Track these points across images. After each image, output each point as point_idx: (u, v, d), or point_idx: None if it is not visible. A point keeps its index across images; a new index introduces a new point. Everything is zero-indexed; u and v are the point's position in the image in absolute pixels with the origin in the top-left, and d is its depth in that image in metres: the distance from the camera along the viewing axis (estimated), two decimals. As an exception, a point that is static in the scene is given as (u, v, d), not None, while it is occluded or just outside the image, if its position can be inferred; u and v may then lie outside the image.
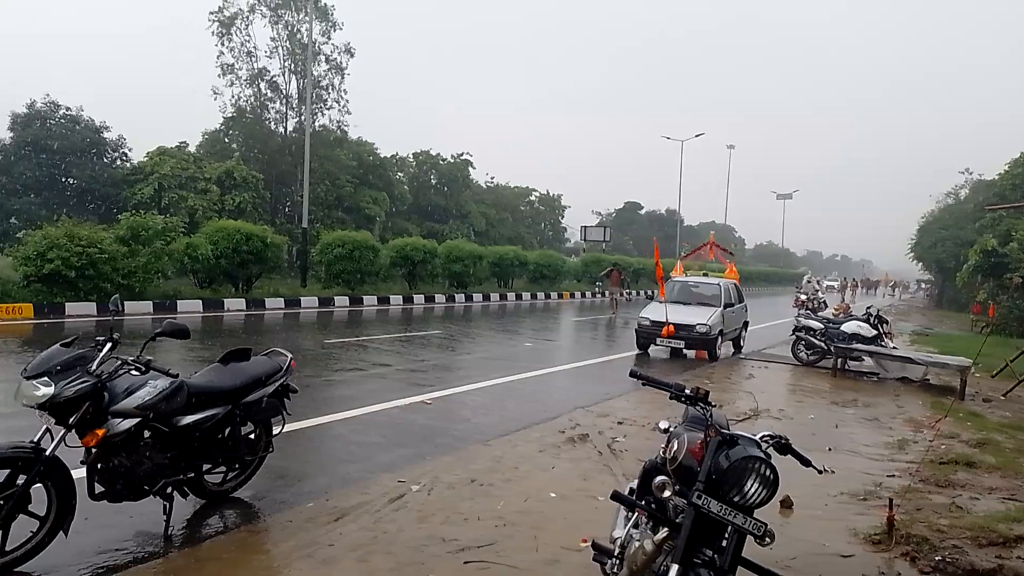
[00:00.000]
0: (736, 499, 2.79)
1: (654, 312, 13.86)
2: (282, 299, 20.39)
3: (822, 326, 13.67)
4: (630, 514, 3.48)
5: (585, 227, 48.30)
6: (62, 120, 34.27)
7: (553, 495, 5.25)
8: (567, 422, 7.57)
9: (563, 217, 69.55)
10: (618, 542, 3.37)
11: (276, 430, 5.04)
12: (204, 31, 37.32)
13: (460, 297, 27.37)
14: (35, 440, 3.76)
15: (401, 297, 24.60)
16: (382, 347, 13.06)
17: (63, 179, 34.07)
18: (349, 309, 21.34)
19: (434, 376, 10.37)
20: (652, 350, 14.12)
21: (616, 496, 3.16)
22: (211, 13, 36.25)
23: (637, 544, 3.04)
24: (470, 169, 53.00)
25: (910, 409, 9.58)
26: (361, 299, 22.84)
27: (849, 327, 13.37)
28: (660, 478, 3.03)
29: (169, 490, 4.22)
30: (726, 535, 2.91)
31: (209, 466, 4.62)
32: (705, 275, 18.28)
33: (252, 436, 4.90)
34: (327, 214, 37.67)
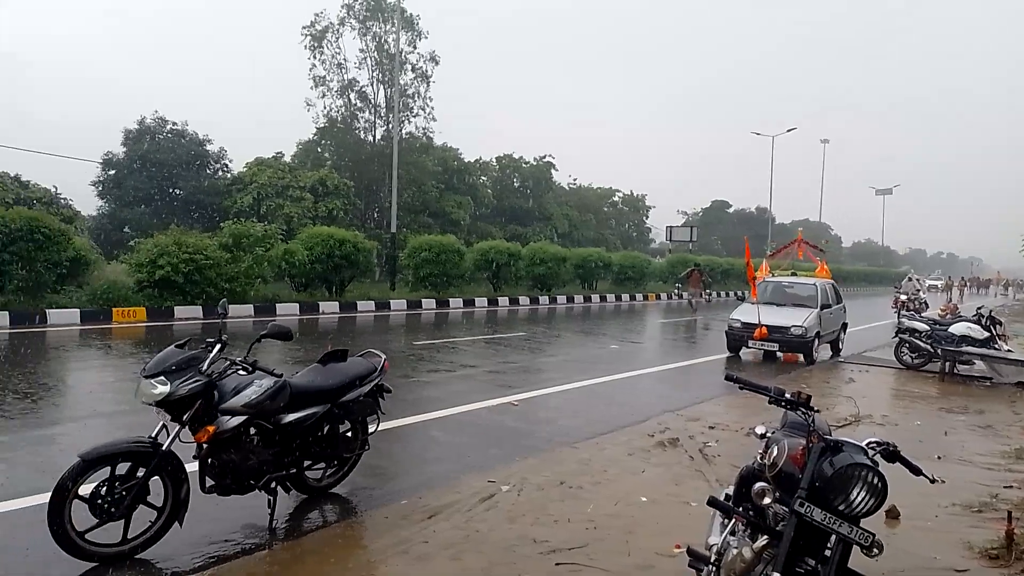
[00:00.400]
0: (841, 507, 2.69)
1: (745, 314, 13.46)
2: (372, 302, 21.00)
3: (928, 328, 12.89)
4: (726, 520, 3.39)
5: (670, 227, 47.40)
6: (169, 135, 36.57)
7: (644, 499, 5.18)
8: (656, 426, 7.46)
9: (647, 218, 68.65)
10: (714, 549, 3.29)
11: (372, 428, 5.20)
12: (297, 45, 38.91)
13: (544, 299, 27.42)
14: (153, 436, 4.03)
15: (486, 299, 24.88)
16: (468, 349, 13.24)
17: (170, 190, 36.32)
18: (436, 311, 21.76)
19: (519, 378, 10.43)
20: (743, 353, 13.72)
21: (713, 502, 3.09)
22: (303, 28, 37.83)
23: (735, 551, 2.96)
24: (552, 171, 53.10)
25: (1030, 417, 8.91)
26: (447, 301, 23.24)
27: (958, 328, 12.56)
28: (760, 484, 2.94)
29: (273, 485, 4.42)
30: (829, 545, 2.81)
31: (310, 462, 4.81)
32: (793, 275, 17.60)
33: (349, 434, 5.07)
34: (413, 219, 38.57)
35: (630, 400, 9.30)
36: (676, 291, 31.58)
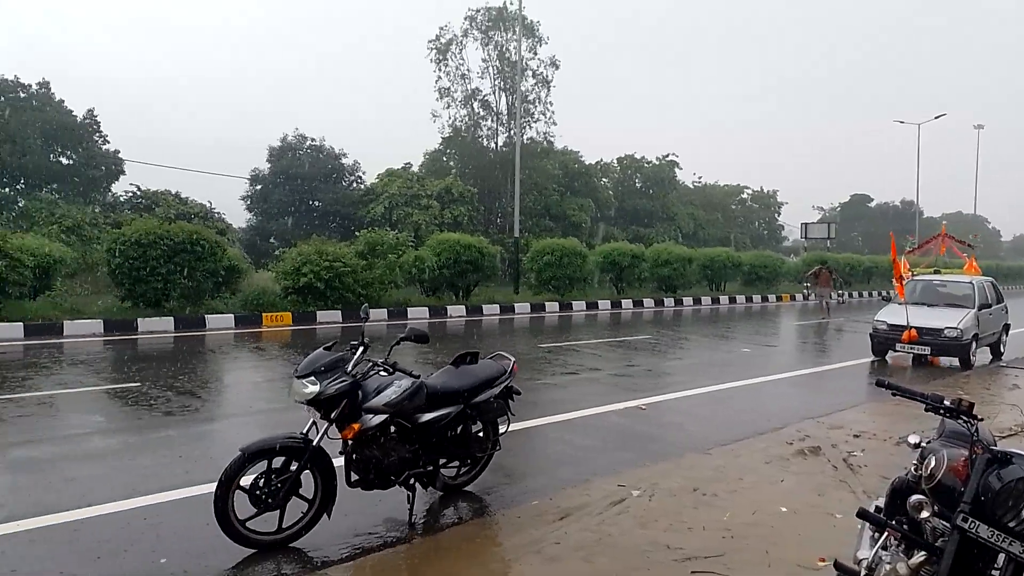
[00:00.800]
0: (1011, 524, 2.47)
1: (892, 315, 12.57)
2: (497, 305, 21.41)
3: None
4: (877, 534, 3.20)
5: (805, 224, 45.01)
6: (308, 150, 39.10)
7: (784, 509, 4.96)
8: (794, 433, 7.12)
9: (779, 215, 65.67)
10: (864, 563, 3.11)
11: (502, 429, 5.32)
12: (423, 59, 40.44)
13: (669, 301, 26.86)
14: (304, 432, 4.33)
15: (609, 302, 24.70)
16: (593, 351, 13.22)
17: (310, 202, 38.79)
18: (559, 314, 21.86)
19: (646, 381, 10.29)
20: (890, 357, 12.82)
21: (863, 514, 2.93)
22: (429, 42, 39.28)
23: (889, 567, 2.79)
24: (676, 170, 51.96)
25: None
26: (570, 304, 23.29)
27: None
28: (916, 497, 2.76)
29: (412, 481, 4.63)
30: (996, 565, 2.60)
31: (445, 461, 4.99)
32: (936, 272, 16.27)
33: (481, 434, 5.21)
34: (535, 223, 38.98)
35: (765, 406, 8.94)
36: (804, 291, 29.89)
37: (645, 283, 28.32)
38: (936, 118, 49.73)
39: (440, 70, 39.48)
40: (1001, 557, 2.55)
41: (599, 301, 24.43)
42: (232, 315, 15.99)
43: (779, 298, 31.78)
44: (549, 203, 40.27)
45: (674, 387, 9.76)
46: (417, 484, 4.73)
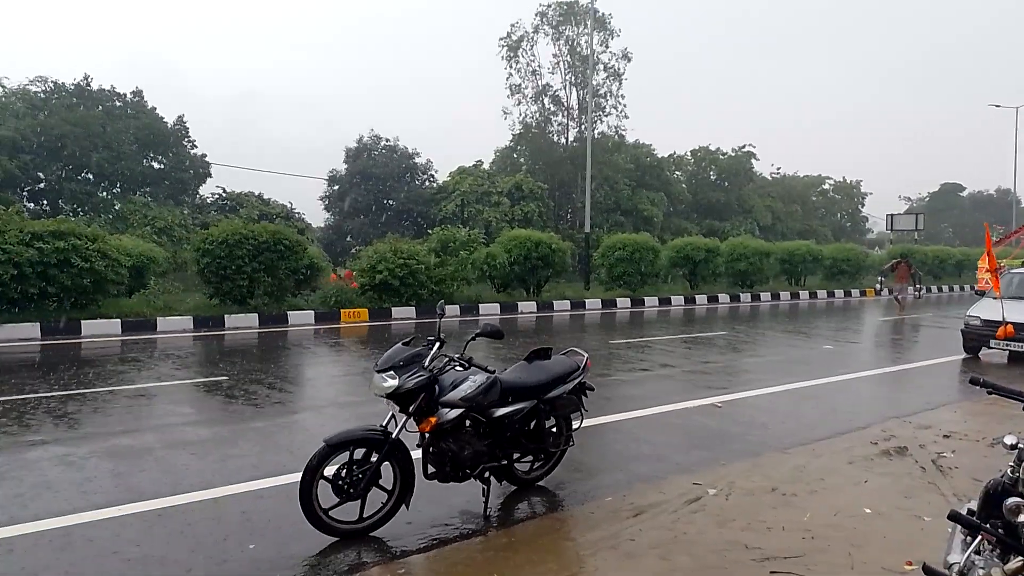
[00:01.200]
0: (1121, 533, 2.33)
1: (986, 310, 11.89)
2: (568, 301, 21.39)
3: None
4: (969, 538, 3.07)
5: (891, 215, 43.00)
6: (383, 150, 40.03)
7: (868, 511, 4.80)
8: (879, 433, 6.86)
9: (863, 206, 63.06)
10: (955, 568, 2.98)
11: (575, 425, 5.35)
12: (495, 56, 40.76)
13: (746, 296, 26.19)
14: (383, 424, 4.47)
15: (682, 298, 24.30)
16: (666, 348, 13.05)
17: (384, 201, 39.71)
18: (631, 310, 21.65)
19: (722, 378, 10.10)
20: (983, 354, 12.15)
21: (955, 516, 2.82)
22: (500, 39, 39.51)
23: (982, 572, 2.68)
24: (753, 161, 50.57)
25: None
26: (642, 300, 23.03)
27: None
28: (1013, 499, 2.64)
29: (487, 475, 4.72)
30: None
31: (518, 455, 5.06)
32: None
33: (554, 430, 5.25)
34: (606, 218, 38.73)
35: (848, 405, 8.63)
36: (879, 285, 28.36)
37: (720, 278, 27.70)
38: (1036, 100, 46.65)
39: (511, 67, 39.73)
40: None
41: (672, 297, 24.06)
42: (312, 312, 16.56)
43: (863, 293, 30.52)
44: (620, 198, 39.91)
45: (751, 384, 9.54)
46: (492, 478, 4.81)
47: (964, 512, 3.20)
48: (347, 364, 11.61)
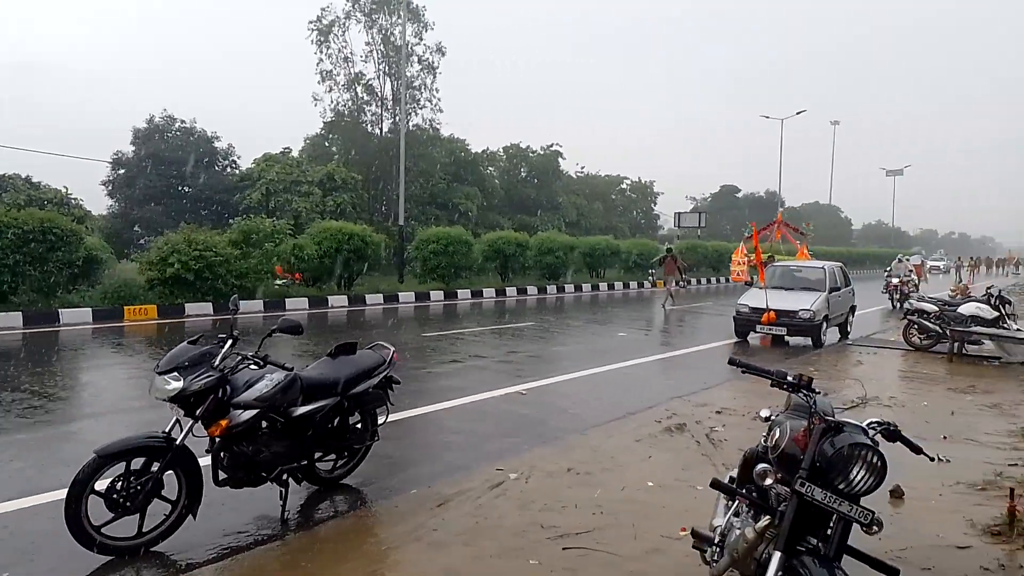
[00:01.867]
0: (842, 487, 2.72)
1: (753, 299, 13.46)
2: (381, 295, 21.10)
3: (937, 309, 12.86)
4: (730, 502, 3.44)
5: (679, 213, 47.23)
6: (178, 133, 36.87)
7: (651, 484, 5.24)
8: (664, 412, 7.51)
9: (656, 204, 68.44)
10: (718, 530, 3.34)
11: (381, 420, 5.28)
12: (304, 40, 38.95)
13: (552, 289, 27.45)
14: (166, 431, 4.12)
15: (494, 290, 24.93)
16: (478, 339, 13.32)
17: (180, 188, 36.64)
18: (445, 303, 21.83)
19: (529, 367, 10.50)
20: (752, 338, 13.74)
21: (716, 484, 3.14)
22: (310, 23, 37.84)
23: (738, 532, 3.01)
24: (560, 160, 53.00)
25: (1040, 396, 8.90)
26: (456, 293, 23.31)
27: (967, 309, 12.51)
28: (761, 466, 2.99)
29: (285, 477, 4.51)
30: (831, 524, 2.85)
31: (321, 454, 4.90)
32: (771, 258, 17.56)
33: (359, 425, 5.15)
34: (422, 211, 38.65)
35: (639, 387, 9.35)
36: (651, 278, 28.75)
37: (530, 271, 28.79)
38: (797, 114, 53.53)
39: (322, 52, 38.14)
40: (835, 516, 2.81)
41: (484, 289, 24.60)
42: (90, 309, 14.85)
43: (654, 284, 33.20)
44: (436, 191, 40.02)
45: (557, 372, 10.01)
46: (291, 479, 4.61)
47: (727, 480, 3.59)
48: (132, 367, 10.55)
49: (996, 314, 12.42)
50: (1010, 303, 13.67)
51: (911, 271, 18.46)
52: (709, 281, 37.82)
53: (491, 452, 6.09)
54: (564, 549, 4.08)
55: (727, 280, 39.03)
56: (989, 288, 13.79)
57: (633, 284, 32.02)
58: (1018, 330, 12.40)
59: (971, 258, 52.87)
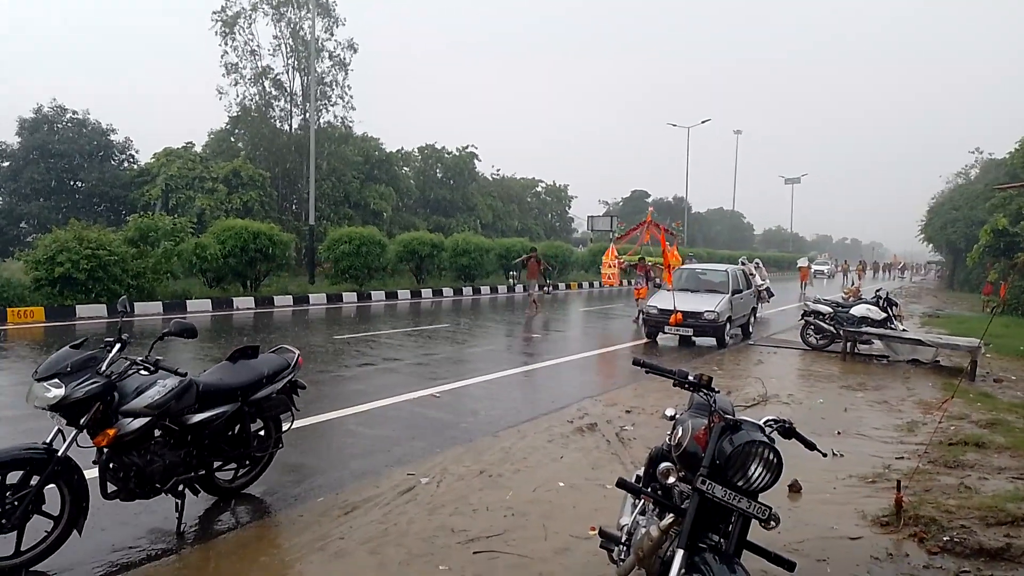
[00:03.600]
0: (740, 484, 2.80)
1: (661, 300, 13.85)
2: (290, 296, 20.49)
3: (831, 310, 13.62)
4: (637, 501, 3.50)
5: (592, 217, 48.00)
6: (69, 124, 34.53)
7: (562, 484, 5.27)
8: (576, 412, 7.60)
9: (570, 208, 69.41)
10: (625, 529, 3.39)
11: (285, 426, 5.10)
12: (208, 31, 37.33)
13: (467, 290, 27.40)
14: (47, 441, 3.82)
15: (409, 292, 24.66)
16: (391, 342, 13.11)
17: (71, 183, 34.33)
18: (357, 305, 21.41)
19: (443, 369, 10.41)
20: (660, 338, 14.13)
21: (622, 483, 3.18)
22: (214, 13, 36.27)
23: (643, 531, 3.06)
24: (476, 162, 52.96)
25: (920, 391, 9.55)
26: (369, 295, 22.91)
27: (858, 310, 13.32)
28: (664, 464, 3.05)
29: (181, 488, 4.27)
30: (731, 519, 2.92)
31: (220, 463, 4.68)
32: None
33: (262, 433, 4.95)
34: (334, 210, 37.76)
35: (552, 387, 9.43)
36: (513, 282, 26.19)
37: (445, 272, 28.63)
38: (702, 122, 55.69)
39: (227, 44, 36.63)
40: (735, 513, 2.89)
41: (399, 291, 24.29)
42: (-34, 311, 13.71)
43: (568, 286, 33.71)
44: (349, 190, 39.16)
45: (471, 374, 9.97)
46: (188, 490, 4.38)
47: (633, 479, 3.64)
48: (11, 373, 9.77)
49: (884, 315, 13.27)
50: (896, 305, 14.62)
51: (753, 274, 19.17)
52: (556, 287, 36.70)
53: (402, 456, 5.99)
54: (474, 553, 4.05)
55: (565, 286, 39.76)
56: (878, 291, 14.72)
57: (548, 285, 32.34)
58: (903, 330, 13.30)
59: (858, 262, 56.17)
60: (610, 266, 18.21)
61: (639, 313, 16.76)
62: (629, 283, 21.69)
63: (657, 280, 18.49)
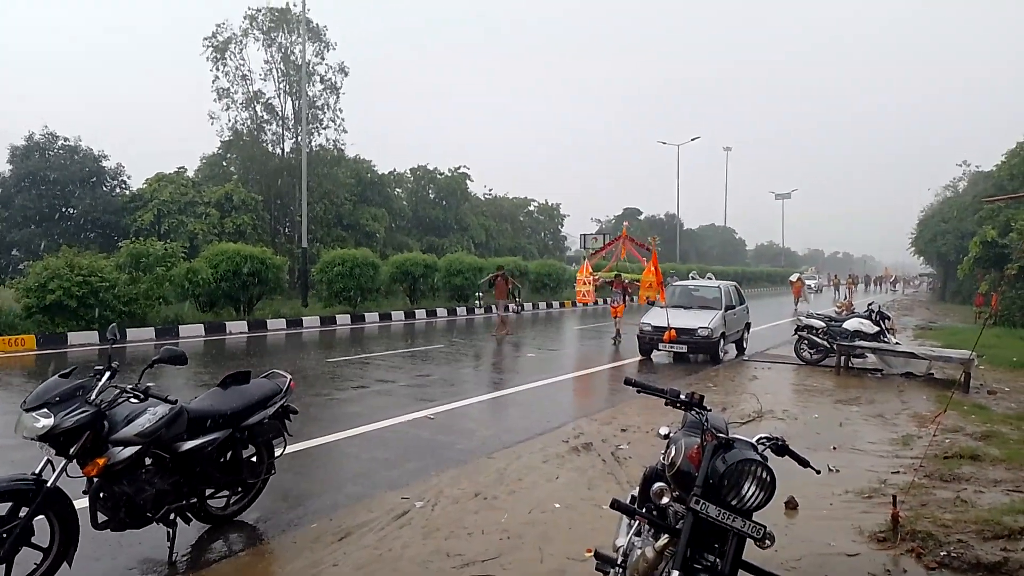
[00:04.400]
0: (734, 502, 2.79)
1: (655, 317, 13.85)
2: (284, 320, 20.42)
3: (824, 325, 13.65)
4: (632, 522, 3.47)
5: (584, 235, 48.11)
6: (60, 151, 34.54)
7: (558, 505, 5.24)
8: (571, 431, 7.57)
9: (562, 226, 69.66)
10: (621, 550, 3.36)
11: (278, 452, 5.06)
12: (199, 56, 37.50)
13: (462, 310, 27.37)
14: (36, 472, 3.78)
15: (403, 313, 24.61)
16: (385, 363, 13.06)
17: (63, 209, 34.26)
18: (351, 327, 21.35)
19: (438, 391, 10.37)
20: (655, 356, 14.12)
21: (616, 505, 3.16)
22: (205, 39, 36.52)
23: (639, 552, 3.03)
24: (468, 182, 53.17)
25: (914, 404, 9.56)
26: (363, 316, 22.86)
27: (851, 324, 13.35)
28: (658, 484, 3.03)
29: (172, 516, 4.22)
30: (727, 539, 2.90)
31: (212, 490, 4.63)
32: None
33: (254, 459, 4.91)
34: (327, 232, 37.79)
35: (547, 407, 9.40)
36: (478, 301, 24.75)
37: (438, 293, 28.61)
38: (692, 140, 56.13)
39: (218, 69, 36.82)
40: (730, 532, 2.87)
41: (392, 312, 24.25)
42: (-43, 340, 13.62)
43: (562, 304, 33.73)
44: (341, 212, 39.23)
45: (465, 394, 9.93)
46: (179, 519, 4.33)
47: (628, 499, 3.62)
48: (1, 402, 9.70)
49: (877, 329, 13.31)
50: (889, 318, 14.67)
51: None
52: (523, 307, 35.34)
53: (396, 480, 5.94)
54: (469, 577, 4.01)
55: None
56: (870, 305, 14.77)
57: (542, 304, 32.35)
58: (896, 344, 13.33)
59: (848, 276, 56.06)
60: (584, 283, 17.80)
61: (617, 332, 16.91)
62: (605, 301, 20.96)
63: (634, 297, 18.02)
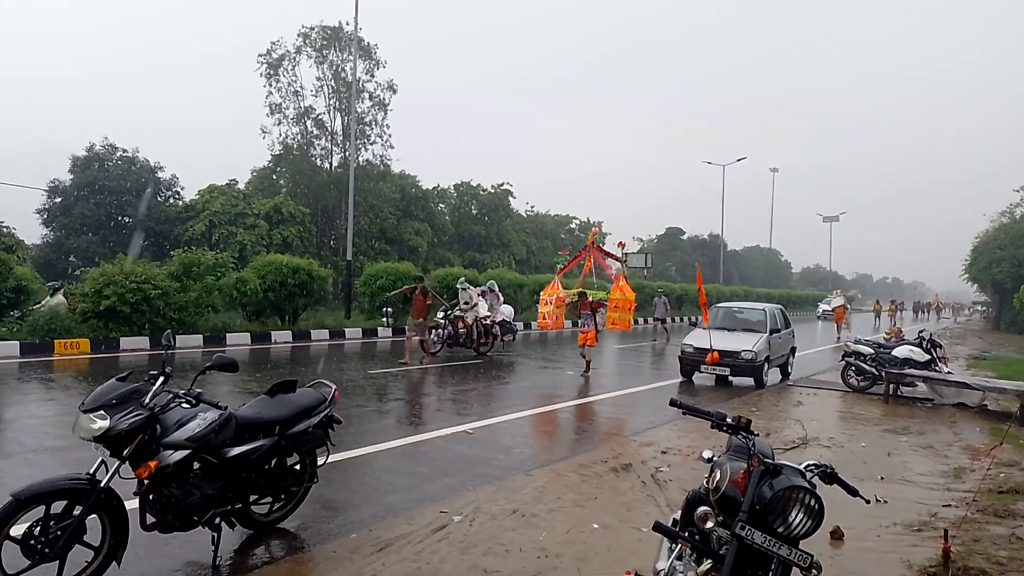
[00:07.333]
0: (780, 530, 2.74)
1: (698, 339, 13.68)
2: (327, 330, 20.73)
3: (873, 351, 13.30)
4: (673, 545, 3.42)
5: (626, 254, 47.99)
6: (119, 161, 35.85)
7: (596, 526, 5.19)
8: (610, 452, 7.50)
9: (604, 244, 69.50)
10: (662, 574, 3.32)
11: (320, 461, 5.12)
12: (252, 71, 38.66)
13: (502, 326, 27.36)
14: (91, 472, 3.90)
15: (443, 327, 24.71)
16: (424, 376, 13.15)
17: (119, 218, 35.49)
18: (392, 339, 21.55)
19: (478, 405, 10.39)
20: (696, 377, 13.92)
21: (658, 527, 3.13)
22: (259, 56, 37.68)
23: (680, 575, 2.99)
24: (510, 198, 53.50)
25: (967, 436, 9.23)
26: (403, 329, 23.02)
27: (901, 352, 12.98)
28: (702, 508, 3.00)
29: (217, 521, 4.31)
30: (772, 567, 2.85)
31: (256, 497, 4.71)
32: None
33: (297, 467, 4.98)
34: (371, 246, 38.42)
35: (586, 426, 9.35)
36: (385, 319, 22.11)
37: (479, 308, 28.72)
38: (738, 160, 55.47)
39: (271, 85, 38.02)
40: (775, 560, 2.82)
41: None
42: (17, 342, 14.16)
43: (387, 325, 33.09)
44: (385, 226, 39.86)
45: (504, 410, 9.93)
46: (224, 523, 4.42)
47: (670, 522, 3.58)
48: (58, 403, 10.03)
49: (928, 357, 12.90)
50: (940, 346, 14.22)
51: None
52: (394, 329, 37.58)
53: (434, 493, 5.96)
54: (506, 595, 3.99)
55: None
56: (921, 332, 14.34)
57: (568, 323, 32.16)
58: (949, 372, 12.90)
59: (891, 302, 53.85)
60: (547, 303, 14.78)
61: (587, 364, 14.17)
62: (574, 324, 17.85)
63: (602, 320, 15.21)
